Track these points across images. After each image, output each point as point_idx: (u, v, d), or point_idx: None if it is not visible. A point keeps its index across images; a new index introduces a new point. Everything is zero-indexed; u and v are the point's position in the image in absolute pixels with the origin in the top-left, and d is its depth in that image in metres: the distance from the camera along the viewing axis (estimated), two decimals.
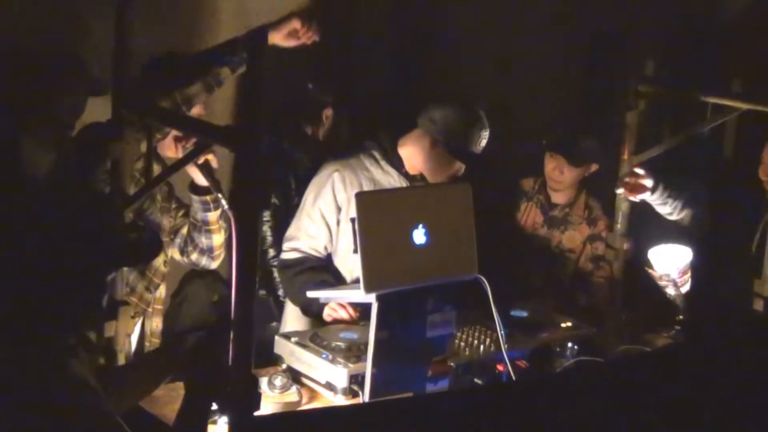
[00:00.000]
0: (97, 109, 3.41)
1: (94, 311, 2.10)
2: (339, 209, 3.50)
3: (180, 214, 3.30)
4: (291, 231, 3.59)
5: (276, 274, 3.78)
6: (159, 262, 3.16)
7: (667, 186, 3.78)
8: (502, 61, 5.00)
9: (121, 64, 2.68)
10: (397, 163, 3.56)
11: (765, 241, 3.57)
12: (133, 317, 3.04)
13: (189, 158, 2.82)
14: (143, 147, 2.83)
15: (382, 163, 3.56)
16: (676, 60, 4.62)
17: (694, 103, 3.91)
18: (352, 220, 3.46)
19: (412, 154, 3.56)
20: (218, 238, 3.25)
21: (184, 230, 3.28)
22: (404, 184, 3.53)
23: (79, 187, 2.71)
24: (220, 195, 2.98)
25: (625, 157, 3.92)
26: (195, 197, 3.18)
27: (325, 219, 3.51)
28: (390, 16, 4.86)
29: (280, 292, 3.86)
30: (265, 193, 3.83)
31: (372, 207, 2.86)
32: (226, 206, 2.99)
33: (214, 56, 2.91)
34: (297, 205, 3.64)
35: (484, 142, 3.52)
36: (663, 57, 4.10)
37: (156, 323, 3.27)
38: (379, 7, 4.84)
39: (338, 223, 3.51)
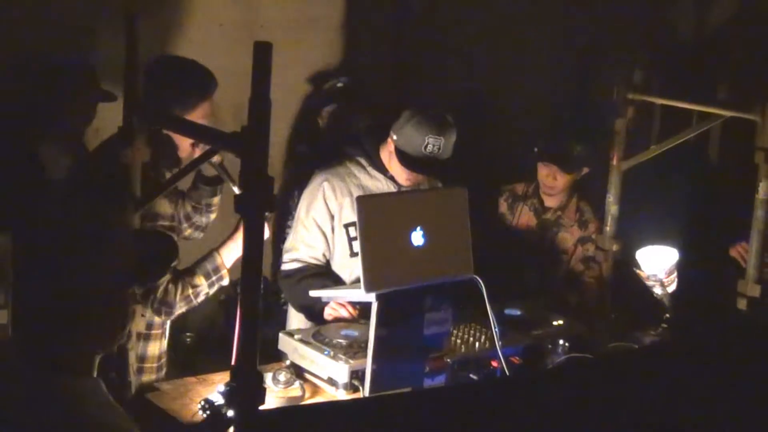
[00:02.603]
0: (109, 116, 3.52)
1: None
2: (332, 217, 3.53)
3: (179, 199, 3.44)
4: (289, 242, 3.62)
5: None
6: None
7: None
8: (498, 70, 5.08)
9: (132, 74, 2.73)
10: (382, 168, 3.58)
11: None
12: (143, 315, 3.14)
13: (198, 162, 2.91)
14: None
15: (369, 168, 3.58)
16: (662, 69, 4.68)
17: (680, 111, 3.97)
18: (345, 226, 3.52)
19: (384, 158, 3.59)
20: (213, 216, 3.56)
21: (182, 213, 3.46)
22: (392, 187, 3.55)
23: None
24: (231, 183, 3.26)
25: (615, 162, 3.94)
26: (204, 186, 3.46)
27: (320, 227, 3.54)
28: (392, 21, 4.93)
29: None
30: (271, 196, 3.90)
31: (372, 210, 2.92)
32: (236, 190, 3.12)
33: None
34: None
35: (432, 148, 3.41)
36: (650, 66, 4.16)
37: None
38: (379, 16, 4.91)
39: (333, 230, 3.55)
